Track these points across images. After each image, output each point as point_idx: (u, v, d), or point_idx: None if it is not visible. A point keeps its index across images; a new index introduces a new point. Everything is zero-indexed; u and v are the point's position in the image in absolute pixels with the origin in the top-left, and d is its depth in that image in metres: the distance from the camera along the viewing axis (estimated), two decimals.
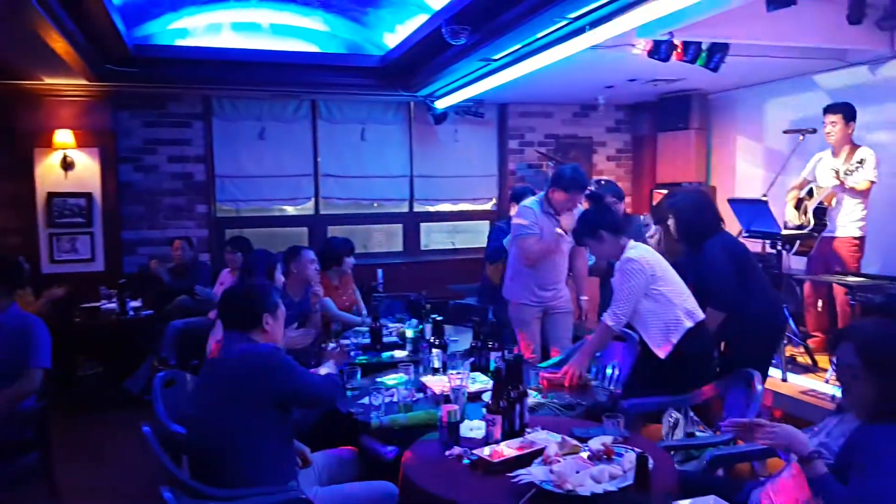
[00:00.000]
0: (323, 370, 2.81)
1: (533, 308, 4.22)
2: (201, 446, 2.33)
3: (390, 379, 3.23)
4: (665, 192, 7.16)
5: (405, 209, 7.60)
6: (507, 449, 2.24)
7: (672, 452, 2.53)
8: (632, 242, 3.30)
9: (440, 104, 6.94)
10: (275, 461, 2.30)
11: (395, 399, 2.89)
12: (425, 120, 7.32)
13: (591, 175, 7.49)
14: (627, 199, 7.65)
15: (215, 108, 6.87)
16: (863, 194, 4.65)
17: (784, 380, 4.32)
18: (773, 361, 4.44)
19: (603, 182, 6.45)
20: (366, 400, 2.86)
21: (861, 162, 4.56)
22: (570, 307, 4.34)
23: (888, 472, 1.74)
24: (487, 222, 7.81)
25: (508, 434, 2.37)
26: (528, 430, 2.43)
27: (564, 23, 4.05)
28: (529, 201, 4.20)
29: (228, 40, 6.80)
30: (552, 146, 7.71)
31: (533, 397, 2.93)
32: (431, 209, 7.75)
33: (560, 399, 2.98)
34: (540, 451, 2.19)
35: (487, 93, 6.32)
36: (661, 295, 3.18)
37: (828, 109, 4.81)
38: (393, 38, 6.56)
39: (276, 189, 7.09)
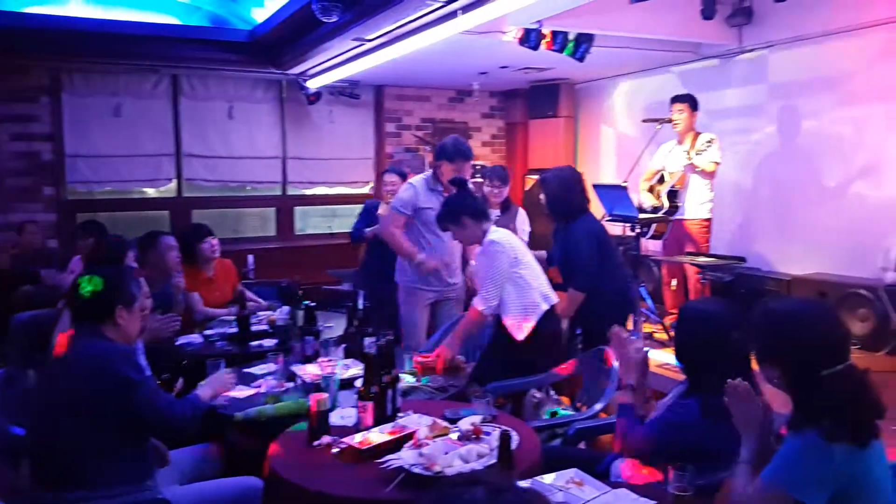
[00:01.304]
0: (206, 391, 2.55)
1: (426, 293, 4.08)
2: (43, 449, 2.13)
3: (259, 369, 3.12)
4: (536, 177, 7.39)
5: (278, 192, 7.36)
6: (378, 435, 2.22)
7: (537, 431, 2.61)
8: (493, 227, 3.34)
9: (313, 84, 6.75)
10: (126, 462, 2.15)
11: (262, 390, 2.80)
12: (298, 100, 7.08)
13: None
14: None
15: (65, 82, 6.31)
16: (710, 176, 5.00)
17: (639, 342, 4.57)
18: (633, 337, 4.71)
19: (478, 167, 6.55)
20: (231, 392, 2.74)
21: (710, 143, 4.89)
22: (463, 295, 4.24)
23: (658, 421, 2.14)
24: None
25: (380, 420, 2.35)
26: (401, 414, 2.42)
27: (437, 6, 4.04)
28: (416, 178, 4.14)
29: (78, 10, 6.26)
30: (429, 130, 7.72)
31: (407, 381, 2.93)
32: (308, 192, 7.55)
33: (433, 382, 2.99)
34: (410, 435, 2.18)
35: (363, 74, 6.22)
36: (521, 278, 3.25)
37: (675, 99, 5.14)
38: (262, 13, 6.30)
39: (133, 170, 6.62)
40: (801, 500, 1.60)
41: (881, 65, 4.91)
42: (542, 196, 3.85)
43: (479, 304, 3.23)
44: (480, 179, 5.14)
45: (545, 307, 3.26)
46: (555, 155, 7.46)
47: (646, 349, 2.41)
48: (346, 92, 6.97)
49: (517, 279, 3.25)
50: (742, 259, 4.97)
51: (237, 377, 2.85)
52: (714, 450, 1.95)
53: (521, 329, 3.22)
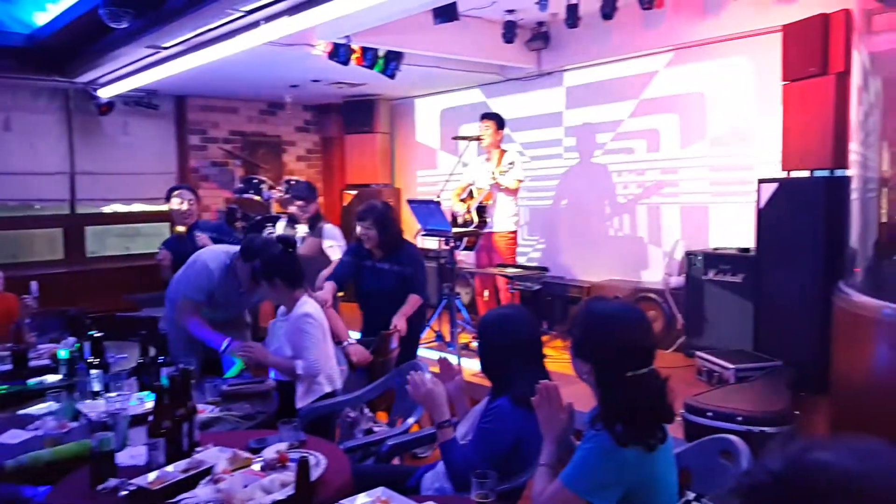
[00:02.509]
0: None
1: None
2: None
3: (38, 409, 2.77)
4: (355, 192, 7.37)
5: (66, 210, 6.67)
6: (172, 473, 2.05)
7: (351, 451, 2.56)
8: (305, 298, 3.23)
9: (105, 93, 6.23)
10: None
11: (40, 433, 2.48)
12: (88, 110, 6.51)
13: (282, 175, 7.38)
14: (321, 200, 7.67)
15: None
16: (514, 193, 5.29)
17: (458, 364, 4.68)
18: (450, 348, 4.85)
19: (293, 182, 6.39)
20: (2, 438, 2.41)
21: (511, 164, 5.16)
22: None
23: (476, 435, 2.17)
24: (168, 224, 7.23)
25: (175, 456, 2.17)
26: (199, 448, 2.25)
27: (238, 15, 3.89)
28: (215, 263, 3.54)
29: None
30: (238, 143, 7.42)
31: (208, 412, 2.74)
32: (107, 210, 6.92)
33: (239, 410, 2.83)
34: (208, 471, 2.03)
35: (161, 83, 5.83)
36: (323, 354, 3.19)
37: (483, 116, 5.40)
38: (46, 18, 5.70)
39: None
40: (592, 502, 1.68)
41: (662, 87, 5.46)
42: (370, 233, 3.92)
43: (301, 369, 3.07)
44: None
45: (328, 390, 3.16)
46: (373, 170, 7.51)
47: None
48: (143, 102, 6.52)
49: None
50: (545, 269, 5.27)
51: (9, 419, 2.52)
52: (529, 437, 2.01)
53: (303, 399, 3.10)
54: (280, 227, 4.92)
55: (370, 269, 4.02)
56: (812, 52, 3.95)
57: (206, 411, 2.74)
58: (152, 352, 3.08)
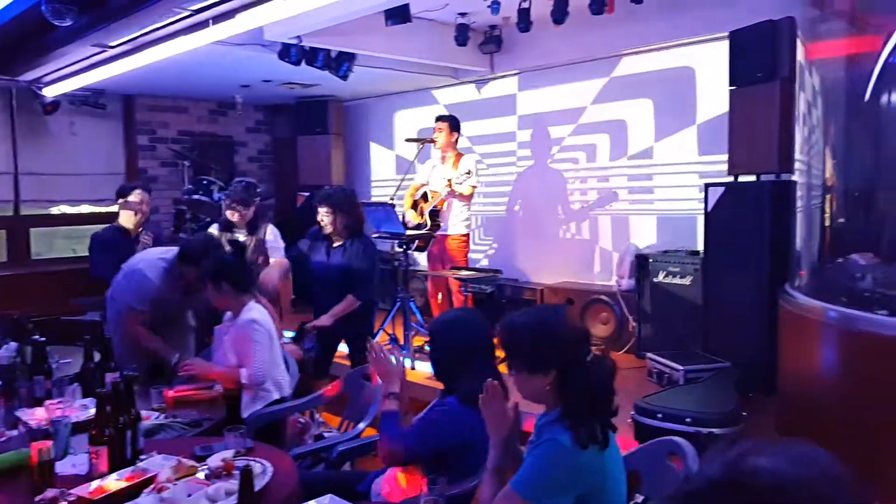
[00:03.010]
0: None
1: None
2: None
3: None
4: (307, 194, 7.28)
5: (10, 212, 6.45)
6: (115, 482, 2.00)
7: (301, 458, 2.53)
8: (252, 304, 3.16)
9: (50, 92, 6.03)
10: None
11: None
12: (32, 109, 6.29)
13: (234, 175, 7.24)
14: (271, 202, 7.58)
15: None
16: (468, 199, 5.30)
17: (413, 368, 4.67)
18: (404, 352, 4.82)
19: (244, 182, 6.27)
20: None
21: (468, 173, 5.16)
22: None
23: (420, 421, 2.23)
24: None
25: (118, 465, 2.11)
26: (143, 456, 2.20)
27: (185, 14, 3.81)
28: (154, 269, 3.48)
29: None
30: (188, 144, 7.27)
31: (153, 418, 2.68)
32: (55, 211, 6.71)
33: (185, 417, 2.77)
34: (151, 479, 1.99)
35: (109, 82, 5.68)
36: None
37: (438, 118, 5.39)
38: None
39: None
40: None
41: (610, 93, 5.54)
42: (330, 216, 3.95)
43: (245, 378, 2.99)
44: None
45: (276, 396, 3.09)
46: (326, 172, 7.42)
47: (403, 360, 2.44)
48: (90, 101, 6.34)
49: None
50: (499, 271, 5.29)
51: None
52: (478, 439, 2.00)
53: (249, 408, 3.03)
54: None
55: (324, 251, 4.10)
56: (759, 57, 4.05)
57: (150, 418, 2.69)
58: (97, 357, 2.99)
